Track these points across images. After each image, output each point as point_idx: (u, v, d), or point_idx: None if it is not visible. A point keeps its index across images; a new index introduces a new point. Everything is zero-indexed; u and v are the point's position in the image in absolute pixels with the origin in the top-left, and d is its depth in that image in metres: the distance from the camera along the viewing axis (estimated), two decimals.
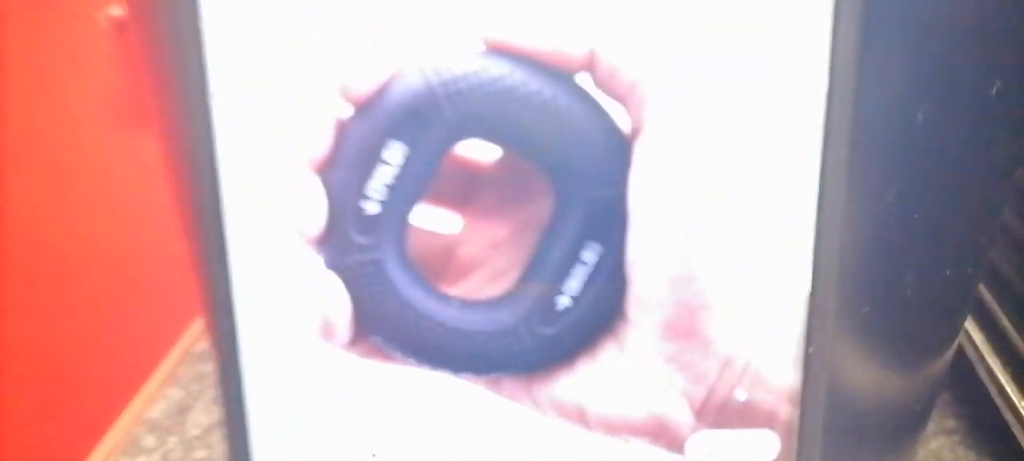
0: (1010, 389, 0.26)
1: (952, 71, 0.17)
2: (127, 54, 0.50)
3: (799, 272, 0.15)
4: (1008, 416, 0.26)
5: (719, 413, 0.16)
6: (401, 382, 0.16)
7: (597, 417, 0.16)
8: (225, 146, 0.14)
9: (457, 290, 0.16)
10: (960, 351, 0.29)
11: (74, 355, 0.48)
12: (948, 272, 0.20)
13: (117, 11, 0.49)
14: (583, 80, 0.15)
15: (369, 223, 0.15)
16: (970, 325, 0.30)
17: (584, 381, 0.16)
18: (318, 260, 0.15)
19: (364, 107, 0.14)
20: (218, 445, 0.33)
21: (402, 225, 0.15)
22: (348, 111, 0.14)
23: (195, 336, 0.40)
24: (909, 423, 0.24)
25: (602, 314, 0.16)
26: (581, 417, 0.16)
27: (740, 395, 0.16)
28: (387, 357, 0.16)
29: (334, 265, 0.15)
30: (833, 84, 0.14)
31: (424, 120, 0.14)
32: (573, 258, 0.15)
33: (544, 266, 0.15)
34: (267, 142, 0.15)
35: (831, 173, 0.15)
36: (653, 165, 0.15)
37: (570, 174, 0.15)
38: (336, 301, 0.15)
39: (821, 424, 0.17)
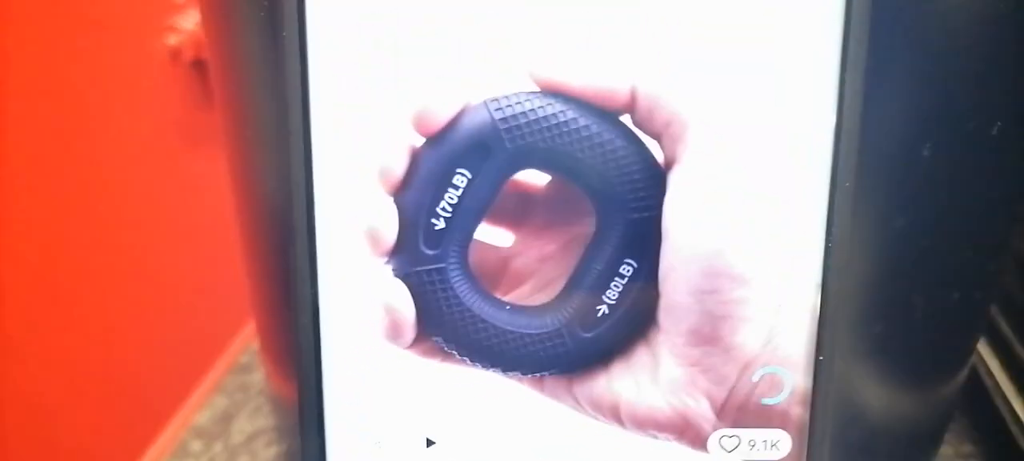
0: (1022, 413, 0.27)
1: (954, 110, 0.19)
2: (181, 82, 0.53)
3: (809, 288, 0.17)
4: (1023, 442, 0.26)
5: (738, 413, 0.18)
6: (456, 379, 0.18)
7: (629, 414, 0.18)
8: (319, 172, 0.17)
9: (510, 297, 0.18)
10: (977, 377, 0.31)
11: (127, 365, 0.50)
12: (956, 296, 0.21)
13: (173, 40, 0.52)
14: (625, 119, 0.17)
15: (436, 238, 0.17)
16: (985, 351, 0.31)
17: (619, 381, 0.18)
18: (388, 270, 0.17)
19: (436, 138, 0.17)
20: (261, 451, 0.35)
21: (465, 239, 0.17)
22: (421, 142, 0.17)
23: (241, 348, 0.42)
24: (922, 443, 0.25)
25: (636, 321, 0.18)
26: (615, 414, 0.18)
27: (757, 397, 0.18)
28: (445, 357, 0.18)
29: (402, 274, 0.17)
30: (840, 121, 0.17)
31: (487, 151, 0.17)
32: (612, 271, 0.17)
33: (586, 277, 0.18)
34: (353, 169, 0.17)
35: (839, 200, 0.17)
36: (684, 193, 0.17)
37: (612, 199, 0.17)
38: (403, 305, 0.17)
39: (830, 426, 0.18)
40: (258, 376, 0.40)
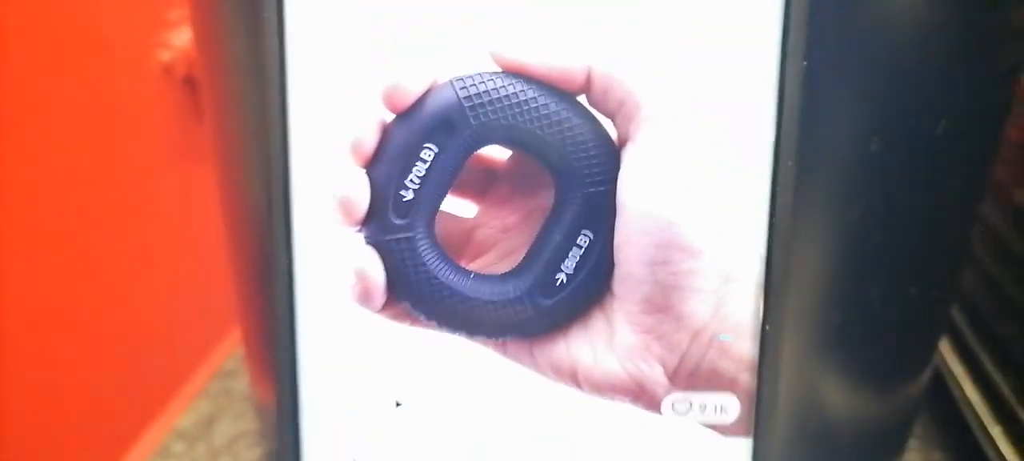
0: (987, 422, 0.28)
1: (899, 108, 0.19)
2: (173, 97, 0.55)
3: (755, 261, 0.19)
4: (989, 451, 0.27)
5: (690, 377, 0.19)
6: (423, 343, 0.19)
7: (587, 378, 0.19)
8: (296, 147, 0.18)
9: (474, 265, 0.19)
10: (944, 385, 0.31)
11: (111, 369, 0.51)
12: (913, 292, 0.22)
13: (166, 56, 0.53)
14: (582, 99, 0.18)
15: (405, 208, 0.18)
16: (951, 359, 0.32)
17: (577, 347, 0.19)
18: (360, 238, 0.19)
19: (405, 115, 0.18)
20: (243, 452, 0.36)
21: (432, 210, 0.18)
22: (391, 118, 0.18)
23: (225, 354, 0.43)
24: (886, 442, 0.25)
25: (593, 289, 0.19)
26: (574, 378, 0.19)
27: (707, 363, 0.19)
28: (413, 321, 0.19)
29: (373, 242, 0.18)
30: (781, 104, 0.18)
31: (453, 127, 0.18)
32: (570, 242, 0.19)
33: (546, 247, 0.19)
34: (327, 143, 0.18)
35: (781, 178, 0.18)
36: (637, 168, 0.18)
37: (569, 173, 0.18)
38: (374, 271, 0.19)
39: (777, 395, 0.19)
40: (242, 382, 0.41)
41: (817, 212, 0.19)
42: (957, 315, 0.33)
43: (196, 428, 0.38)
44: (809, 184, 0.19)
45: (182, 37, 0.56)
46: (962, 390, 0.31)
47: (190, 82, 0.56)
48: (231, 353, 0.42)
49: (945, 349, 0.33)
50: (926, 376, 0.25)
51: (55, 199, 0.50)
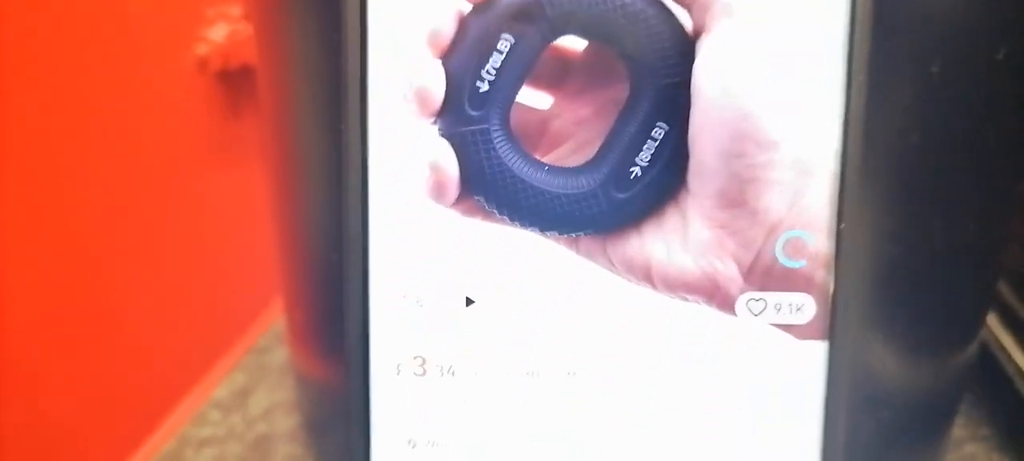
0: None
1: (961, 30, 0.20)
2: (209, 91, 0.55)
3: (830, 155, 0.19)
4: None
5: (764, 276, 0.19)
6: (495, 240, 0.19)
7: (660, 275, 0.19)
8: (373, 38, 0.18)
9: (548, 158, 0.19)
10: (995, 361, 0.31)
11: (150, 344, 0.51)
12: (971, 227, 0.22)
13: (202, 50, 0.54)
14: None
15: (481, 100, 0.18)
16: (1001, 332, 0.32)
17: (651, 242, 0.19)
18: (434, 130, 0.19)
19: (482, 5, 0.18)
20: (279, 421, 0.36)
21: (507, 102, 0.18)
22: (468, 8, 0.18)
23: (258, 331, 0.43)
24: (936, 411, 0.25)
25: (667, 183, 0.19)
26: (647, 275, 0.19)
27: (783, 260, 0.19)
28: (486, 216, 0.19)
29: (448, 134, 0.19)
30: (853, 12, 0.18)
31: (530, 18, 0.18)
32: (644, 134, 0.19)
33: (620, 140, 0.19)
34: (404, 34, 0.18)
35: (856, 69, 0.18)
36: (712, 59, 0.18)
37: (644, 65, 0.18)
38: (449, 164, 0.19)
39: (854, 295, 0.19)
40: (276, 357, 0.41)
41: (882, 127, 0.19)
42: (1004, 288, 0.33)
43: (232, 398, 0.37)
44: (876, 98, 0.19)
45: (218, 32, 0.56)
46: (1013, 362, 0.30)
47: (224, 76, 0.57)
48: (264, 331, 0.42)
49: (993, 323, 0.32)
50: (976, 340, 0.25)
51: (90, 185, 0.50)
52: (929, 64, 0.20)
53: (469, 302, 0.19)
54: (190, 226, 0.54)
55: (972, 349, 0.25)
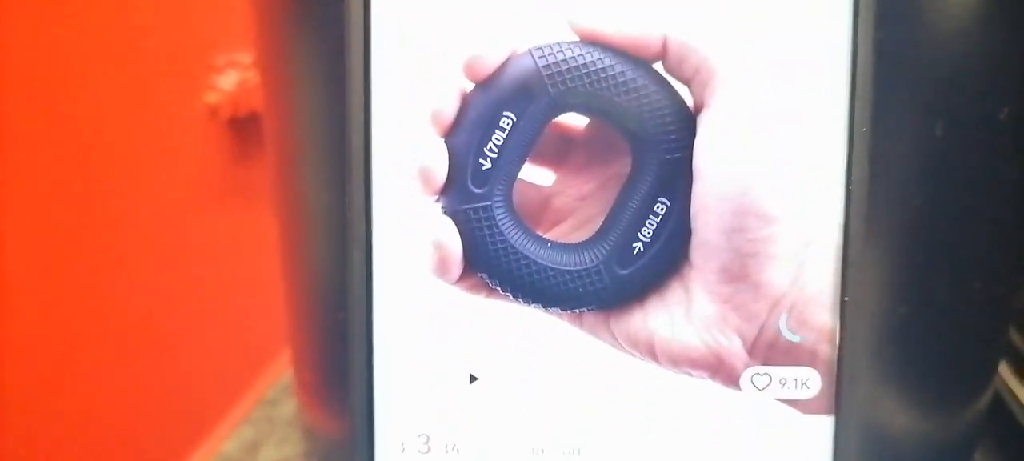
0: None
1: (964, 91, 0.20)
2: (219, 139, 0.56)
3: (833, 228, 0.19)
4: None
5: (769, 350, 0.19)
6: (499, 316, 0.19)
7: (664, 350, 0.19)
8: (377, 116, 0.18)
9: (551, 234, 0.19)
10: (1006, 407, 0.31)
11: (157, 398, 0.51)
12: (976, 286, 0.22)
13: (212, 98, 0.55)
14: (658, 67, 0.18)
15: (484, 177, 0.18)
16: (1012, 380, 0.31)
17: (654, 317, 0.19)
18: (438, 208, 0.19)
19: (484, 84, 0.18)
20: None
21: (510, 179, 0.19)
22: (471, 87, 0.18)
23: (267, 383, 0.43)
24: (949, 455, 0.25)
25: (670, 258, 0.19)
26: (651, 351, 0.19)
27: (787, 335, 0.19)
28: (489, 292, 0.19)
29: (451, 212, 0.19)
30: (854, 69, 0.18)
31: (531, 95, 0.18)
32: (647, 210, 0.19)
33: (622, 215, 0.19)
34: (408, 113, 0.19)
35: (856, 143, 0.18)
36: (713, 135, 0.18)
37: (646, 140, 0.18)
38: (452, 241, 0.19)
39: (860, 369, 0.19)
40: (284, 409, 0.41)
41: (885, 194, 0.19)
42: (1016, 336, 0.32)
43: (240, 452, 0.37)
44: (878, 166, 0.19)
45: (228, 80, 0.57)
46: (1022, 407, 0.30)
47: (235, 124, 0.58)
48: (273, 383, 0.42)
49: (1006, 372, 0.32)
50: (988, 393, 0.25)
51: (99, 236, 0.50)
52: (933, 127, 0.20)
53: (473, 379, 0.19)
54: (199, 274, 0.55)
55: (984, 400, 0.25)
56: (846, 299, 0.19)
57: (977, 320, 0.23)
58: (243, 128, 0.58)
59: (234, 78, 0.57)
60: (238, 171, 0.58)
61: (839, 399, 0.19)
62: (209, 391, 0.45)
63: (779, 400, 0.19)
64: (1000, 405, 0.31)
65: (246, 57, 0.58)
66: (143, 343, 0.51)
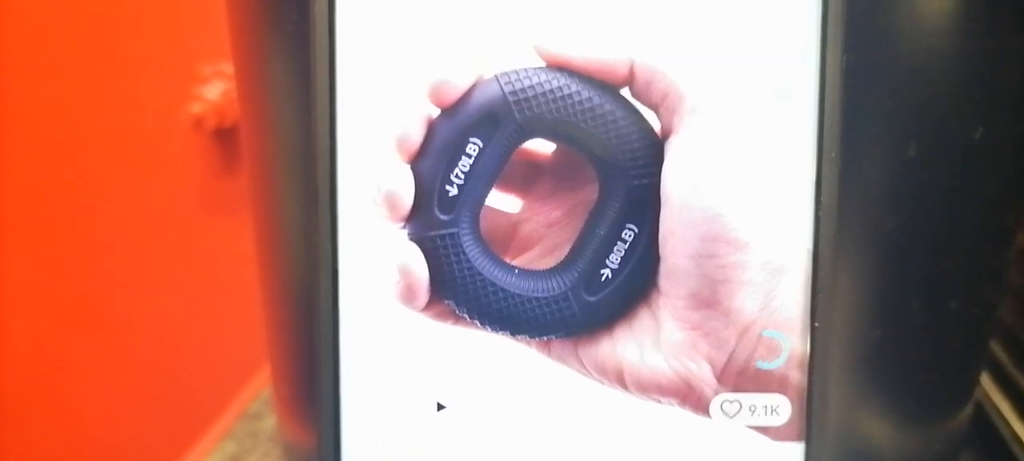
0: None
1: (937, 112, 0.19)
2: (204, 149, 0.55)
3: (803, 254, 0.18)
4: None
5: (739, 377, 0.19)
6: (466, 344, 0.19)
7: (633, 378, 0.19)
8: (342, 145, 0.18)
9: (518, 261, 0.19)
10: (988, 421, 0.31)
11: (138, 412, 0.51)
12: (954, 306, 0.22)
13: (197, 108, 0.55)
14: (625, 92, 0.18)
15: (450, 203, 0.18)
16: (994, 393, 0.31)
17: (622, 345, 0.19)
18: (404, 235, 0.19)
19: (450, 110, 0.18)
20: None
21: (477, 205, 0.18)
22: (437, 113, 0.18)
23: (250, 396, 0.42)
24: None
25: (638, 285, 0.19)
26: (619, 379, 0.19)
27: (756, 362, 0.19)
28: (456, 320, 0.19)
29: (417, 238, 0.18)
30: (823, 94, 0.18)
31: (498, 121, 0.18)
32: (615, 236, 0.18)
33: (590, 242, 0.19)
34: (372, 139, 0.18)
35: (826, 169, 0.18)
36: (681, 161, 0.18)
37: (613, 167, 0.18)
38: (418, 268, 0.18)
39: (830, 395, 0.19)
40: (268, 423, 0.40)
41: (856, 218, 0.19)
42: (998, 349, 0.32)
43: None
44: (849, 189, 0.19)
45: (213, 90, 0.57)
46: (1009, 426, 0.30)
47: (219, 134, 0.57)
48: (256, 395, 0.42)
49: (987, 384, 0.32)
50: (968, 408, 0.25)
51: (83, 247, 0.50)
52: (905, 148, 0.20)
53: (440, 407, 0.19)
54: (183, 285, 0.54)
55: (964, 415, 0.24)
56: (816, 325, 0.19)
57: (954, 340, 0.23)
58: (228, 138, 0.57)
59: (219, 88, 0.57)
60: (223, 182, 0.58)
61: (810, 426, 0.19)
62: (190, 404, 0.44)
63: (749, 427, 0.19)
64: (981, 415, 0.31)
65: (231, 67, 0.57)
66: (124, 355, 0.51)
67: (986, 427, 0.30)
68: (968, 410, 0.25)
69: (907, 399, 0.22)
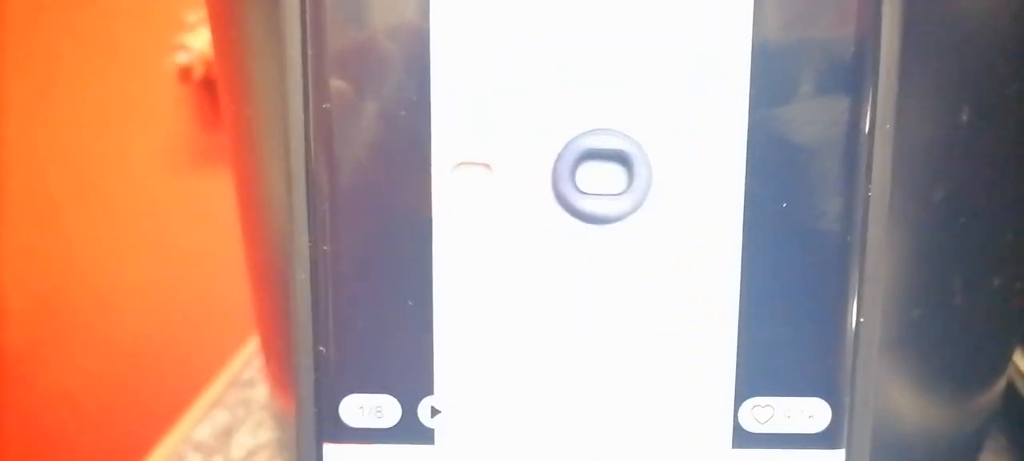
0: None
1: (993, 75, 0.18)
2: (191, 100, 0.53)
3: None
4: None
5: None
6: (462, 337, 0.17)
7: None
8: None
9: None
10: (1018, 396, 0.29)
11: (127, 378, 0.49)
12: (995, 283, 0.21)
13: (183, 58, 0.52)
14: None
15: None
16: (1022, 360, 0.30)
17: None
18: None
19: None
20: None
21: None
22: None
23: (243, 363, 0.41)
24: (960, 449, 0.24)
25: None
26: None
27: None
28: None
29: None
30: (878, 70, 0.15)
31: None
32: None
33: None
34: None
35: (878, 146, 0.16)
36: None
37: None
38: None
39: (871, 395, 0.17)
40: (260, 391, 0.39)
41: (902, 192, 0.18)
42: None
43: (214, 439, 0.36)
44: (899, 161, 0.17)
45: (200, 39, 0.54)
46: None
47: (208, 84, 0.55)
48: (250, 362, 0.41)
49: (1017, 356, 0.30)
50: (1001, 384, 0.24)
51: (67, 204, 0.48)
52: (958, 112, 0.18)
53: (435, 412, 0.17)
54: (170, 242, 0.53)
55: (998, 387, 0.24)
56: (862, 320, 0.17)
57: (995, 315, 0.22)
58: (216, 89, 0.55)
59: (206, 36, 0.54)
60: (213, 134, 0.56)
61: (851, 432, 0.17)
62: (180, 371, 0.43)
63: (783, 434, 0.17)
64: (1010, 389, 0.30)
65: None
66: (112, 320, 0.50)
67: (1014, 399, 0.29)
68: (1001, 384, 0.24)
69: (941, 377, 0.21)
